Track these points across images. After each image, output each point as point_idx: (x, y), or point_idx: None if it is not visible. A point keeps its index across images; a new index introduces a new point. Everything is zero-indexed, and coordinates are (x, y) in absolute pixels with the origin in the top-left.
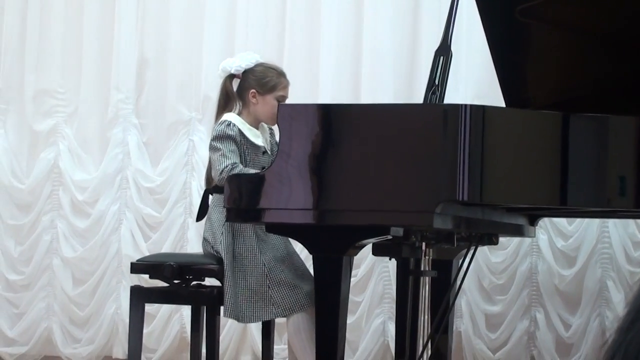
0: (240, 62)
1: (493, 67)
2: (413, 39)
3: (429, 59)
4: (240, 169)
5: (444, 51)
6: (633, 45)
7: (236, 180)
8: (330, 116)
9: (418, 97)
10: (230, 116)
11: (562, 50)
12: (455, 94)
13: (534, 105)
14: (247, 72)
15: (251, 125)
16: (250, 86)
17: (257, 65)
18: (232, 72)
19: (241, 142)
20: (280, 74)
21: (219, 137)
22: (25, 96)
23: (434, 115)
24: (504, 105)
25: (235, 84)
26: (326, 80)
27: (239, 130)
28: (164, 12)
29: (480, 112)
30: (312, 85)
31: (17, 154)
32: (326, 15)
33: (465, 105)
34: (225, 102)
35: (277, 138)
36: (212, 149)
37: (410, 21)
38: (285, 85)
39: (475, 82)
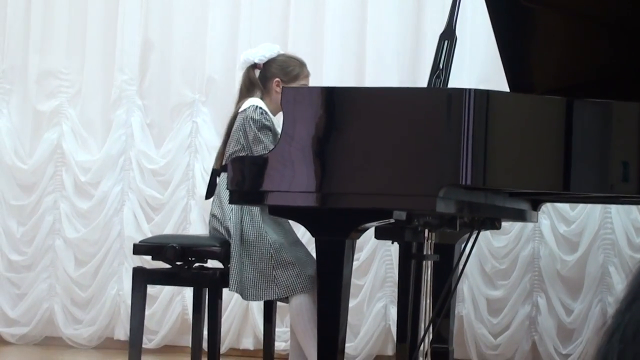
0: (263, 52)
1: (497, 51)
2: (417, 24)
3: (433, 43)
4: None
5: (448, 35)
6: (637, 31)
7: (239, 162)
8: (334, 99)
9: (422, 82)
10: (257, 102)
11: (567, 36)
12: (460, 78)
13: (538, 91)
14: (269, 62)
15: (273, 113)
16: (274, 75)
17: (279, 55)
18: (256, 61)
19: (274, 131)
20: (302, 64)
21: (260, 128)
22: (29, 77)
23: (438, 100)
24: (508, 90)
25: (256, 73)
26: (330, 63)
27: (270, 119)
28: None
29: (484, 97)
30: (316, 69)
31: (20, 134)
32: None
33: (470, 89)
34: (248, 90)
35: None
36: (256, 140)
37: (414, 6)
38: (307, 75)
39: (479, 66)
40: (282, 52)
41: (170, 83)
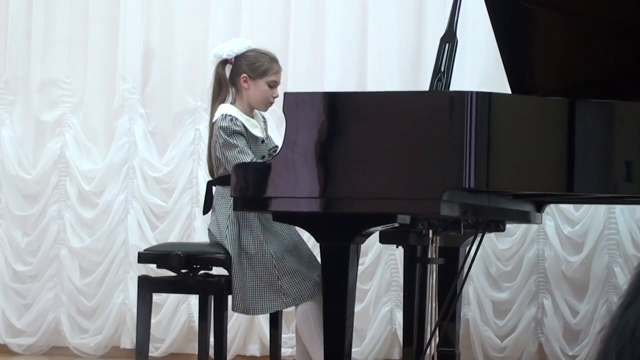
0: (232, 47)
1: (498, 53)
2: (419, 27)
3: (434, 46)
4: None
5: (449, 38)
6: (638, 30)
7: (243, 169)
8: (337, 104)
9: (424, 85)
10: (228, 109)
11: (568, 36)
12: (462, 81)
13: (540, 92)
14: (239, 57)
15: (246, 113)
16: (241, 71)
17: (249, 51)
18: (224, 57)
19: (247, 136)
20: (272, 59)
21: (230, 135)
22: (32, 86)
23: (440, 103)
24: (510, 92)
25: (228, 70)
26: (332, 67)
27: (242, 123)
28: (169, 1)
29: (486, 99)
30: (318, 73)
31: (23, 144)
32: (331, 3)
33: (471, 92)
34: (219, 88)
35: (271, 127)
36: (227, 145)
37: (416, 9)
38: (277, 71)
39: (481, 69)
40: (253, 47)
41: (172, 90)
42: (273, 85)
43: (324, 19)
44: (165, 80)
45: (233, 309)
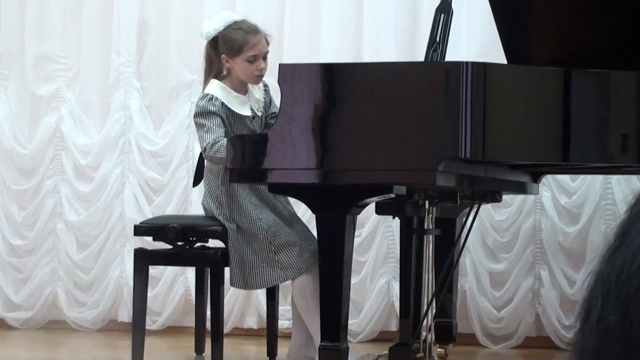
0: (211, 26)
1: (494, 24)
2: None
3: (430, 17)
4: (222, 143)
5: (444, 8)
6: (634, 2)
7: (239, 141)
8: (333, 75)
9: (420, 57)
10: (213, 87)
11: (564, 7)
12: (458, 52)
13: (535, 63)
14: (218, 37)
15: (237, 89)
16: (221, 51)
17: (226, 28)
18: (205, 37)
19: (227, 115)
20: (248, 32)
21: (201, 114)
22: (26, 61)
23: (435, 73)
24: (505, 63)
25: (220, 47)
26: (328, 39)
27: (221, 103)
28: None
29: (481, 69)
30: (314, 45)
31: (19, 119)
32: None
33: (467, 62)
34: (210, 67)
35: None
36: (196, 125)
37: None
38: (255, 44)
39: (477, 40)
40: (233, 20)
41: (167, 64)
42: (252, 60)
43: None
44: (160, 54)
45: (231, 284)
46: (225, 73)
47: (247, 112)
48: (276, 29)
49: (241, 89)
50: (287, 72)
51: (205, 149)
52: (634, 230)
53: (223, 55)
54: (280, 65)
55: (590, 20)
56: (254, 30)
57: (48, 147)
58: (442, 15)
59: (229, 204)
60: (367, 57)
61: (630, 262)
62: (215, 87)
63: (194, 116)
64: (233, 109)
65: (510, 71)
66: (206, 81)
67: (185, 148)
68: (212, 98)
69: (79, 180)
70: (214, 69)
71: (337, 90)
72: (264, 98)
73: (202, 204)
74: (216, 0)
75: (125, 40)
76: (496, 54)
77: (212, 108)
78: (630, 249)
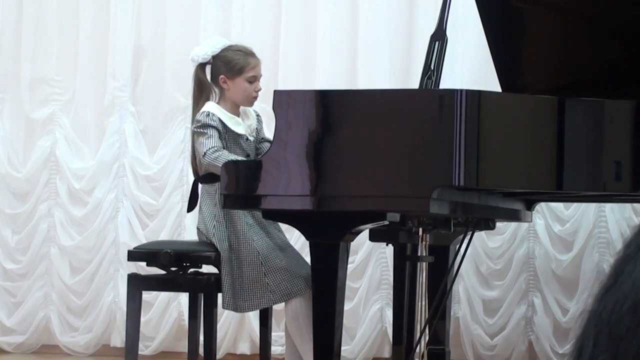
0: (206, 50)
1: (489, 52)
2: (409, 25)
3: (425, 44)
4: (222, 152)
5: (439, 36)
6: (628, 29)
7: (233, 166)
8: (327, 102)
9: (414, 83)
10: (209, 106)
11: (558, 35)
12: (452, 80)
13: (530, 91)
14: (215, 59)
15: (231, 111)
16: (219, 72)
17: (223, 50)
18: (200, 60)
19: (223, 131)
20: (247, 54)
21: (201, 126)
22: (22, 84)
23: (429, 101)
24: (500, 91)
25: (208, 71)
26: (322, 65)
27: (219, 119)
28: (160, 0)
29: (476, 97)
30: (309, 70)
31: (13, 142)
32: (322, 1)
33: (461, 90)
34: (200, 92)
35: (263, 124)
36: (196, 134)
37: (406, 7)
38: (255, 65)
39: (471, 68)
40: (228, 44)
41: (162, 89)
42: (252, 80)
43: (314, 17)
44: (155, 78)
45: (223, 307)
46: (216, 97)
47: (242, 131)
48: (271, 53)
49: (234, 112)
50: (282, 99)
51: (206, 153)
52: (627, 270)
53: (222, 76)
54: (275, 91)
55: (584, 48)
56: (252, 52)
57: (42, 171)
58: (437, 43)
59: (225, 223)
60: (362, 83)
61: (622, 302)
62: (212, 106)
63: (194, 129)
64: (229, 125)
65: (505, 99)
66: (196, 106)
67: (179, 173)
68: (209, 114)
69: (73, 204)
70: (204, 92)
71: (331, 117)
72: (257, 126)
73: (198, 227)
74: (212, 25)
75: (120, 65)
76: (490, 82)
77: (212, 123)
78: (622, 289)
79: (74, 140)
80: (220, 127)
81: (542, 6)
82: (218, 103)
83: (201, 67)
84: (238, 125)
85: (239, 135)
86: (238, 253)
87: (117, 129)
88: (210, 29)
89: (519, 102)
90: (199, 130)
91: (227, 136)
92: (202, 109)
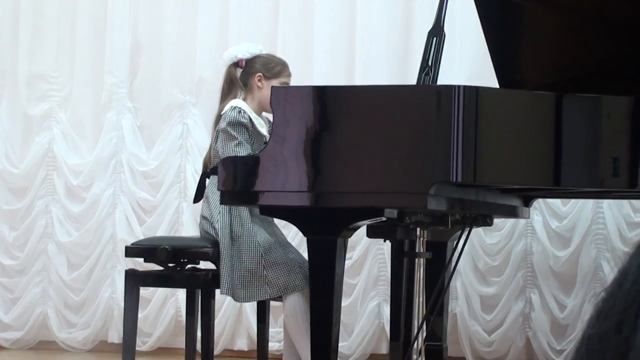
0: (247, 49)
1: (487, 48)
2: (407, 20)
3: (422, 40)
4: None
5: (437, 32)
6: (626, 26)
7: (231, 162)
8: (325, 98)
9: (412, 79)
10: (238, 102)
11: (556, 31)
12: (450, 76)
13: (527, 87)
14: (253, 59)
15: (256, 112)
16: (256, 71)
17: (262, 53)
18: (239, 56)
19: (251, 130)
20: (285, 64)
21: (233, 124)
22: (19, 81)
23: (427, 97)
24: (497, 86)
25: (237, 72)
26: (320, 62)
27: (249, 117)
28: None
29: (473, 93)
30: (306, 67)
31: (11, 138)
32: None
33: (459, 86)
34: (229, 89)
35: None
36: (227, 136)
37: (404, 3)
38: (289, 74)
39: (469, 63)
40: (265, 52)
41: (160, 85)
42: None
43: (312, 12)
44: (153, 74)
45: (221, 292)
46: (242, 97)
47: (265, 132)
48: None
49: (258, 113)
50: (280, 95)
51: None
52: (610, 309)
53: (259, 74)
54: (272, 87)
55: (582, 44)
56: (287, 65)
57: (40, 167)
58: (435, 39)
59: (231, 214)
60: (359, 79)
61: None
62: (240, 102)
63: (226, 125)
64: (256, 126)
65: (502, 95)
66: (223, 102)
67: (177, 169)
68: (241, 111)
69: (70, 200)
70: (233, 91)
71: (328, 113)
72: (269, 130)
73: (202, 214)
74: (209, 21)
75: (118, 61)
76: (488, 78)
77: (243, 120)
78: (607, 324)
79: (72, 136)
80: (250, 125)
81: (540, 2)
82: (244, 101)
83: (234, 65)
84: (262, 127)
85: (262, 136)
86: (240, 244)
87: (115, 125)
88: (208, 25)
89: (516, 98)
90: (231, 132)
91: (254, 134)
92: (231, 104)
